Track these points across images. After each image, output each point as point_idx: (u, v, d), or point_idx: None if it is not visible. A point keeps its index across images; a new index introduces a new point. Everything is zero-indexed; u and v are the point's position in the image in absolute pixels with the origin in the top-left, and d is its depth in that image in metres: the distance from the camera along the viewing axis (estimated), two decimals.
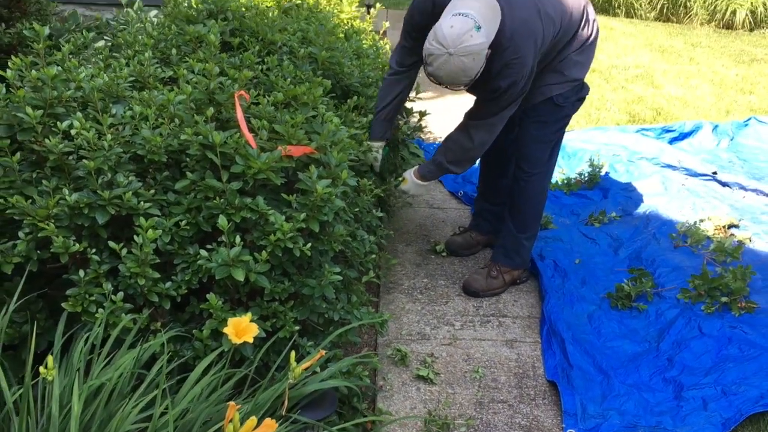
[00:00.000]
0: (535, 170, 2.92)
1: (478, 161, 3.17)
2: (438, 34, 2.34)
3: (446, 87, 2.50)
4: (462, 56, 2.32)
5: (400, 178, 2.98)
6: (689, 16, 9.72)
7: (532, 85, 2.64)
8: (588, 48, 2.75)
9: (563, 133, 2.95)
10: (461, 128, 2.79)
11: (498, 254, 3.14)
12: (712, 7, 9.54)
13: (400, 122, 3.19)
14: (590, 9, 2.75)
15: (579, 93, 2.83)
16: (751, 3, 9.40)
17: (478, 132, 2.71)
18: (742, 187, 4.03)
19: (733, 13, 9.44)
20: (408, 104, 3.22)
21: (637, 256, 3.30)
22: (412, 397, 2.48)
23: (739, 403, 2.35)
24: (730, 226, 3.56)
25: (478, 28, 2.32)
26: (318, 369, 1.95)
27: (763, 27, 9.46)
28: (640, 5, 9.93)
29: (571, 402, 2.43)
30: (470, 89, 2.70)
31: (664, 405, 2.41)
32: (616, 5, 10.12)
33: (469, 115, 2.79)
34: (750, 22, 9.43)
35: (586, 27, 2.72)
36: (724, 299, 2.82)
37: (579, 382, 2.52)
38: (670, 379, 2.51)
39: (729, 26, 9.53)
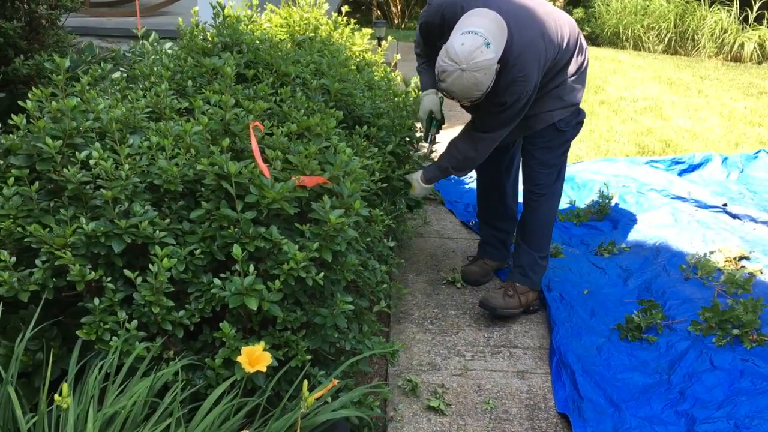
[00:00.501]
0: (543, 191, 3.05)
1: (475, 183, 3.52)
2: (450, 51, 2.48)
3: (459, 102, 2.64)
4: (474, 71, 2.46)
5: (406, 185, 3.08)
6: (697, 49, 9.79)
7: (535, 112, 2.82)
8: (582, 74, 2.93)
9: (567, 156, 3.10)
10: (466, 138, 2.93)
11: (515, 274, 3.17)
12: (720, 40, 9.61)
13: (410, 151, 3.23)
14: (582, 38, 2.93)
15: (577, 117, 2.99)
16: (759, 36, 9.47)
17: (482, 144, 2.88)
18: (753, 219, 4.03)
19: (741, 46, 9.51)
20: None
21: (647, 287, 3.29)
22: (423, 428, 2.47)
23: None
24: (741, 258, 3.55)
25: (488, 44, 2.45)
26: (329, 399, 1.95)
27: None
28: (648, 38, 10.02)
29: None
30: (474, 106, 2.78)
31: None
32: (623, 38, 10.23)
33: (473, 126, 2.92)
34: (758, 55, 9.49)
35: (580, 54, 2.89)
36: (735, 332, 2.80)
37: (590, 415, 2.50)
38: (682, 413, 2.49)
39: (737, 59, 9.59)
